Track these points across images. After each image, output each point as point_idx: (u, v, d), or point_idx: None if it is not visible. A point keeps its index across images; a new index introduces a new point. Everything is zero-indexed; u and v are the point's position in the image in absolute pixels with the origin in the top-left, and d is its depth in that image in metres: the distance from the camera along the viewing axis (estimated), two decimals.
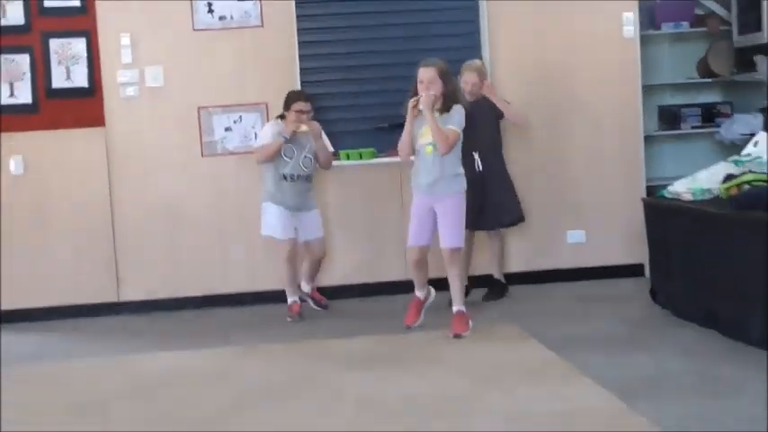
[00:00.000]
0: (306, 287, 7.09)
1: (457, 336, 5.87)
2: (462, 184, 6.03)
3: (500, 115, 6.98)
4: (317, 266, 7.14)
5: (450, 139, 5.80)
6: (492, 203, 6.88)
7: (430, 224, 5.97)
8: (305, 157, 6.81)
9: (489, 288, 7.12)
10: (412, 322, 6.10)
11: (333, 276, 7.59)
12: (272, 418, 4.75)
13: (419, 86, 5.83)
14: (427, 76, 5.80)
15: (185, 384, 5.47)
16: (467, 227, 6.54)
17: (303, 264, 7.16)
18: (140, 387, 5.48)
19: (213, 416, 4.79)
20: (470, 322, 6.01)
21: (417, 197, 6.04)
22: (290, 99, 6.71)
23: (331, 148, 6.98)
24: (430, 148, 5.86)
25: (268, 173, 6.85)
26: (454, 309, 5.92)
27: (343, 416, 4.69)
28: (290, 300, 6.84)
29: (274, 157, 6.71)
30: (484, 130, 6.82)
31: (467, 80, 6.83)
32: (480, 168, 6.82)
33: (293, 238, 6.78)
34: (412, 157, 6.19)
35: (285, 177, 6.74)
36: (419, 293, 6.17)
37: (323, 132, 6.84)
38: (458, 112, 5.89)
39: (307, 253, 7.10)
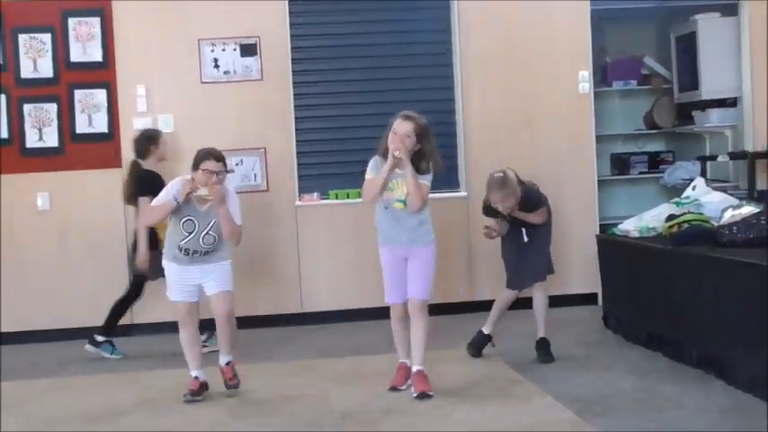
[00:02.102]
0: (220, 359, 5.38)
1: (423, 395, 4.99)
2: (432, 233, 5.18)
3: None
4: (223, 329, 5.32)
5: (425, 196, 5.00)
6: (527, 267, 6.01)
7: (404, 278, 5.09)
8: (207, 234, 5.20)
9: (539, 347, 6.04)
10: (401, 384, 5.14)
11: (319, 303, 7.59)
12: None
13: (391, 137, 4.92)
14: (402, 130, 4.91)
15: None
16: (509, 286, 6.07)
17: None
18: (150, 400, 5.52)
19: None
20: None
21: (389, 250, 5.15)
22: (199, 158, 5.19)
23: (239, 221, 5.29)
24: (401, 205, 4.98)
25: (170, 233, 5.32)
26: (415, 368, 5.03)
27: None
28: (191, 373, 5.29)
29: (161, 219, 5.33)
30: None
31: (497, 200, 5.81)
32: (525, 240, 5.97)
33: (186, 301, 5.24)
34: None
35: (181, 250, 5.18)
36: (406, 360, 5.19)
37: (232, 201, 5.23)
38: (428, 177, 5.02)
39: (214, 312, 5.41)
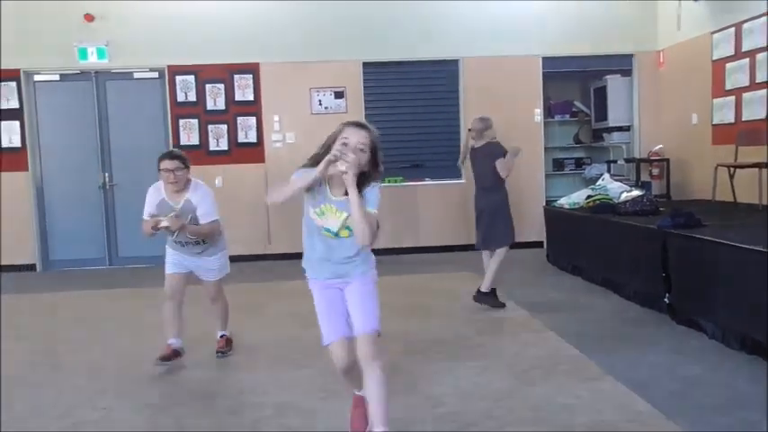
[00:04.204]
0: (217, 332, 4.19)
1: None
2: (373, 257, 2.70)
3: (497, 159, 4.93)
4: (218, 310, 4.17)
5: (374, 227, 2.52)
6: (490, 232, 5.00)
7: (345, 311, 2.61)
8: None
9: (481, 294, 4.95)
10: (363, 428, 2.71)
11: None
12: None
13: (342, 148, 2.42)
14: (356, 139, 2.47)
15: None
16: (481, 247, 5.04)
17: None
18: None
19: None
20: None
21: (323, 286, 2.63)
22: (158, 160, 3.81)
23: (212, 217, 3.81)
24: (346, 233, 2.53)
25: None
26: (376, 430, 2.48)
27: None
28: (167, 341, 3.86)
29: (147, 234, 3.72)
30: (485, 169, 4.98)
31: (475, 126, 5.06)
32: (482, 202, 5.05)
33: (177, 273, 3.90)
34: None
35: (175, 241, 3.86)
36: (360, 391, 2.76)
37: (203, 201, 3.80)
38: (375, 192, 2.54)
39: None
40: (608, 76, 8.21)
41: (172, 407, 3.27)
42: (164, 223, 3.65)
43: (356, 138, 2.47)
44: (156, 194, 3.83)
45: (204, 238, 3.85)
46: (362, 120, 2.83)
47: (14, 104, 7.51)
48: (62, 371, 3.91)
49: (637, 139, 8.21)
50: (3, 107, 7.50)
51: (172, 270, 3.90)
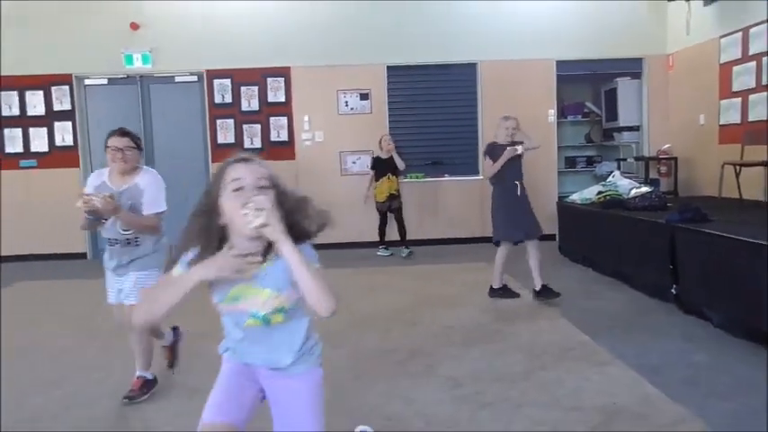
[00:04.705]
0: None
1: None
2: (320, 348, 1.73)
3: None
4: (139, 342, 3.11)
5: (326, 285, 1.50)
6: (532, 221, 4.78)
7: (246, 399, 1.69)
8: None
9: (543, 293, 4.71)
10: None
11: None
12: None
13: (231, 205, 1.51)
14: (253, 176, 1.55)
15: None
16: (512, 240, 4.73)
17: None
18: None
19: None
20: None
21: (237, 366, 1.72)
22: (106, 137, 3.10)
23: (156, 209, 2.99)
24: (280, 317, 1.58)
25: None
26: None
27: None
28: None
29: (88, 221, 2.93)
30: (518, 165, 4.81)
31: (508, 126, 4.80)
32: (519, 194, 4.78)
33: (119, 302, 3.04)
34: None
35: (107, 240, 3.04)
36: None
37: (148, 189, 2.99)
38: (309, 250, 1.57)
39: None
40: (619, 79, 8.09)
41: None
42: (94, 200, 2.80)
43: (252, 175, 1.55)
44: (96, 178, 3.09)
45: (138, 234, 2.94)
46: (247, 154, 1.66)
47: (67, 106, 7.65)
48: (111, 352, 3.97)
49: (646, 139, 8.09)
50: (56, 109, 7.64)
51: (114, 300, 3.07)
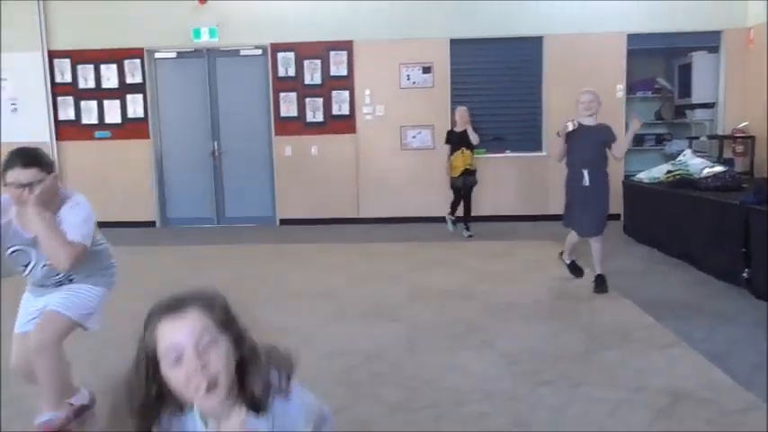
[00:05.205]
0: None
1: None
2: None
3: (608, 143, 4.29)
4: (41, 374, 2.25)
5: None
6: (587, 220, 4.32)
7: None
8: (44, 266, 2.32)
9: (596, 281, 4.35)
10: None
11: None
12: None
13: (174, 364, 1.20)
14: (195, 339, 1.20)
15: None
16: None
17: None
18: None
19: None
20: None
21: None
22: (4, 166, 2.16)
23: (75, 237, 2.19)
24: None
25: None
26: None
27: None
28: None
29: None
30: (592, 150, 4.25)
31: (583, 100, 4.29)
32: (587, 183, 4.26)
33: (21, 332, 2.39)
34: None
35: (31, 289, 2.45)
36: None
37: (69, 216, 2.23)
38: (295, 408, 1.27)
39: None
40: (694, 53, 7.76)
41: None
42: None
43: (190, 337, 1.23)
44: (3, 213, 2.28)
45: (53, 259, 2.21)
46: (179, 295, 1.33)
47: (138, 79, 7.89)
48: None
49: (721, 116, 7.75)
50: (128, 82, 7.90)
51: (21, 329, 2.42)
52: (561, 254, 4.79)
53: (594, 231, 4.38)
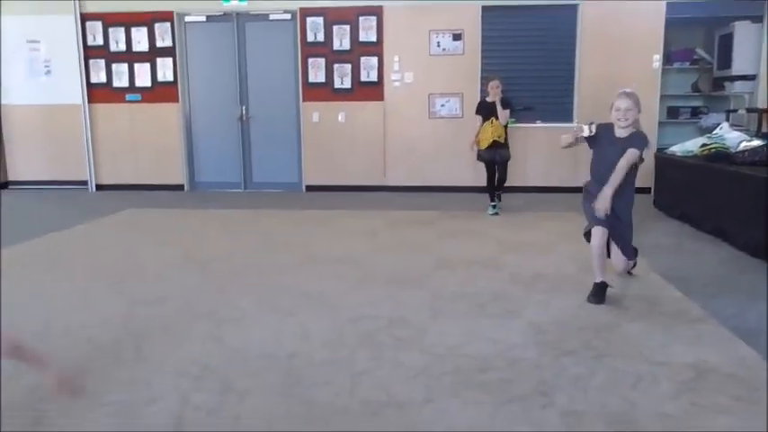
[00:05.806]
0: None
1: None
2: None
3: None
4: None
5: None
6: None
7: None
8: None
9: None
10: None
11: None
12: None
13: None
14: None
15: None
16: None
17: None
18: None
19: None
20: None
21: None
22: None
23: None
24: None
25: None
26: None
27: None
28: None
29: None
30: (615, 161, 3.44)
31: (618, 107, 3.50)
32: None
33: None
34: None
35: None
36: None
37: None
38: None
39: None
40: (736, 23, 7.51)
41: (298, 312, 3.44)
42: None
43: None
44: None
45: None
46: None
47: (168, 43, 7.92)
48: (206, 275, 4.20)
49: (762, 89, 7.49)
50: (159, 45, 7.93)
51: None
52: (586, 235, 3.81)
53: (622, 259, 3.81)
